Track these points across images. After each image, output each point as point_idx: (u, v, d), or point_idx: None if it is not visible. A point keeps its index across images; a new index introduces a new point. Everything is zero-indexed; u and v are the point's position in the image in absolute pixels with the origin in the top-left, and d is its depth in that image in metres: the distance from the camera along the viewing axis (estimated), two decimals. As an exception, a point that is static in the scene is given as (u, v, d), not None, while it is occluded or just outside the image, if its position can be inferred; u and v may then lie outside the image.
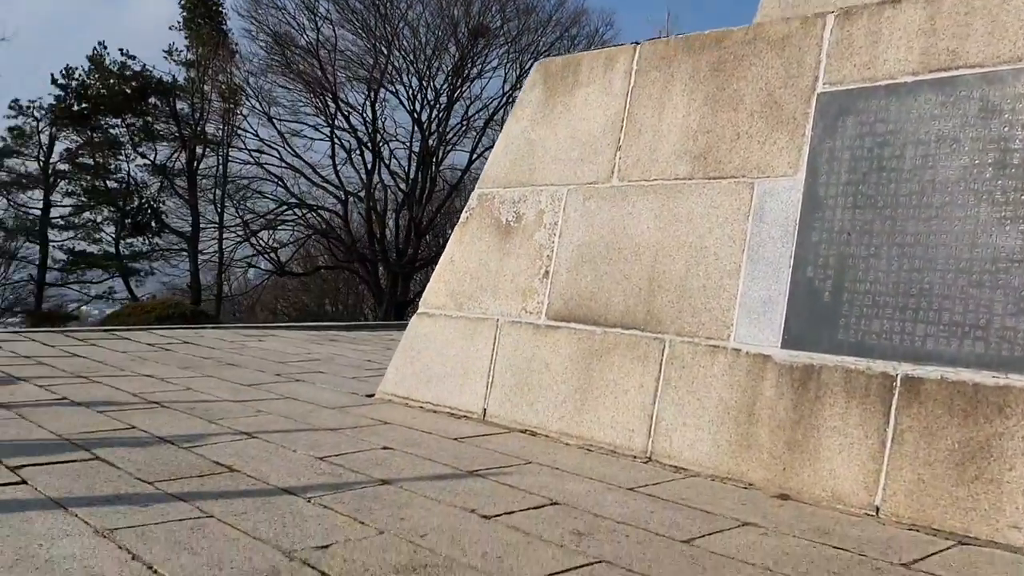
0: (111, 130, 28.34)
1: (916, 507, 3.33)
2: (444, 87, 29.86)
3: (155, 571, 2.57)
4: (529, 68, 12.52)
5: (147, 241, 28.88)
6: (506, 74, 29.72)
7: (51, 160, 27.81)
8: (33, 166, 27.69)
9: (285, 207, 30.13)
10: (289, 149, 28.87)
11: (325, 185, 30.01)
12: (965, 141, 3.48)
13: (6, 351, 7.02)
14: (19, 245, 28.02)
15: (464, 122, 30.43)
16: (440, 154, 31.30)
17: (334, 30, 27.88)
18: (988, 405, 3.23)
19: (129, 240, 28.54)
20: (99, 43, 27.92)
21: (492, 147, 4.69)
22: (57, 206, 28.11)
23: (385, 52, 28.56)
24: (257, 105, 28.24)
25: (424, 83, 29.80)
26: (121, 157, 28.30)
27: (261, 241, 29.36)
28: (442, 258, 5.46)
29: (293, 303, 37.62)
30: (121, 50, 29.05)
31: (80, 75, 27.89)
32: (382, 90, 29.06)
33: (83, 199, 28.48)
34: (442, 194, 31.77)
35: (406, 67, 29.31)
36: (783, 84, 4.04)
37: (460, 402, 5.08)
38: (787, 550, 3.05)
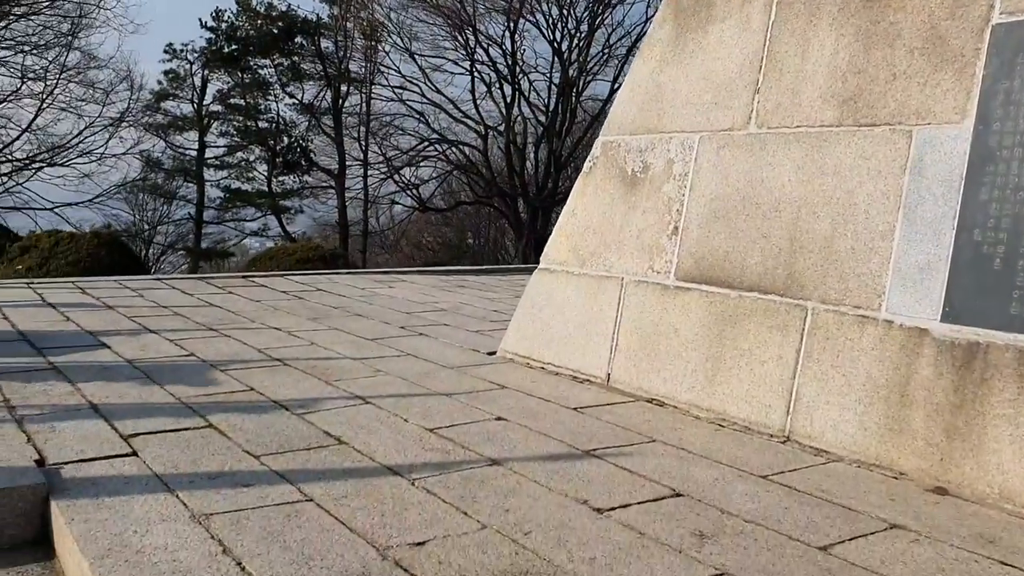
0: (260, 71, 29.12)
1: (1104, 516, 2.85)
2: (585, 15, 29.03)
3: (243, 568, 2.45)
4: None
5: (297, 179, 29.75)
6: (650, -1, 28.53)
7: (204, 102, 28.88)
8: (188, 108, 28.86)
9: (426, 143, 30.34)
10: (430, 84, 28.92)
11: (465, 120, 29.99)
12: None
13: (147, 300, 7.23)
14: (178, 185, 29.45)
15: (605, 51, 29.56)
16: (580, 84, 30.58)
17: (473, -41, 27.45)
18: None
19: (280, 178, 29.47)
20: (246, -16, 28.55)
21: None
22: (212, 147, 29.30)
23: (524, -21, 27.93)
24: (399, 41, 28.35)
25: (564, 11, 29.04)
26: (270, 97, 29.10)
27: (403, 178, 29.72)
28: (564, 210, 5.15)
29: (436, 236, 38.19)
30: (267, -10, 29.64)
31: (229, 17, 28.69)
32: (521, 20, 28.52)
33: (236, 139, 29.53)
34: (583, 126, 31.15)
35: (546, -6, 28.61)
36: (949, 14, 3.46)
37: (582, 365, 4.81)
38: (943, 564, 2.65)
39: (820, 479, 3.38)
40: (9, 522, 2.91)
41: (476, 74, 29.29)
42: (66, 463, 3.23)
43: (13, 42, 22.62)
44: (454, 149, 31.10)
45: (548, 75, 29.83)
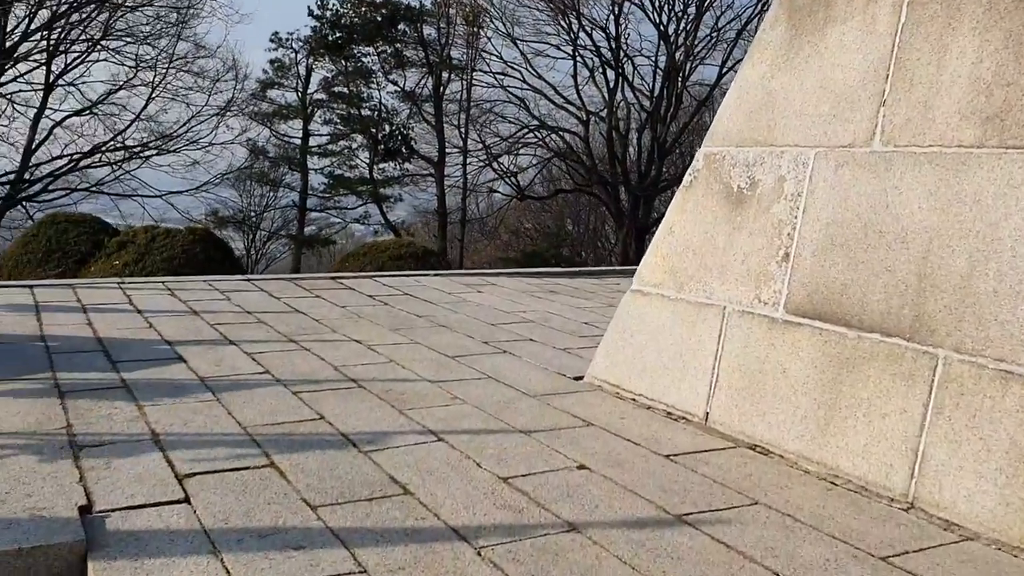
0: (363, 59, 29.28)
1: None
2: (693, -3, 28.16)
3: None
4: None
5: (397, 166, 29.86)
6: (762, -20, 27.44)
7: (308, 91, 29.23)
8: (292, 97, 29.24)
9: (526, 130, 30.01)
10: (531, 70, 28.56)
11: (566, 106, 29.53)
12: None
13: (233, 303, 7.12)
14: (283, 173, 29.93)
15: (714, 34, 28.60)
16: (687, 69, 29.70)
17: (576, -59, 26.93)
18: None
19: (381, 166, 29.63)
20: (352, -28, 28.70)
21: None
22: (315, 135, 29.63)
23: (630, -39, 27.28)
24: (501, 27, 28.07)
25: (671, -7, 28.25)
26: (373, 85, 29.22)
27: (502, 166, 29.50)
28: (660, 227, 4.71)
29: (535, 223, 37.91)
30: (372, -23, 29.73)
31: (334, 5, 28.90)
32: (626, 3, 27.84)
33: (339, 127, 29.81)
34: (688, 111, 30.29)
35: (653, -24, 27.86)
36: None
37: (678, 400, 4.38)
38: None
39: (952, 565, 2.89)
40: (42, 585, 2.71)
41: (579, 59, 28.82)
42: (113, 510, 3.03)
43: (126, 32, 23.27)
44: (554, 136, 30.72)
45: (653, 59, 29.10)
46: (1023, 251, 3.10)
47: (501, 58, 28.61)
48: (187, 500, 3.14)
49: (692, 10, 28.38)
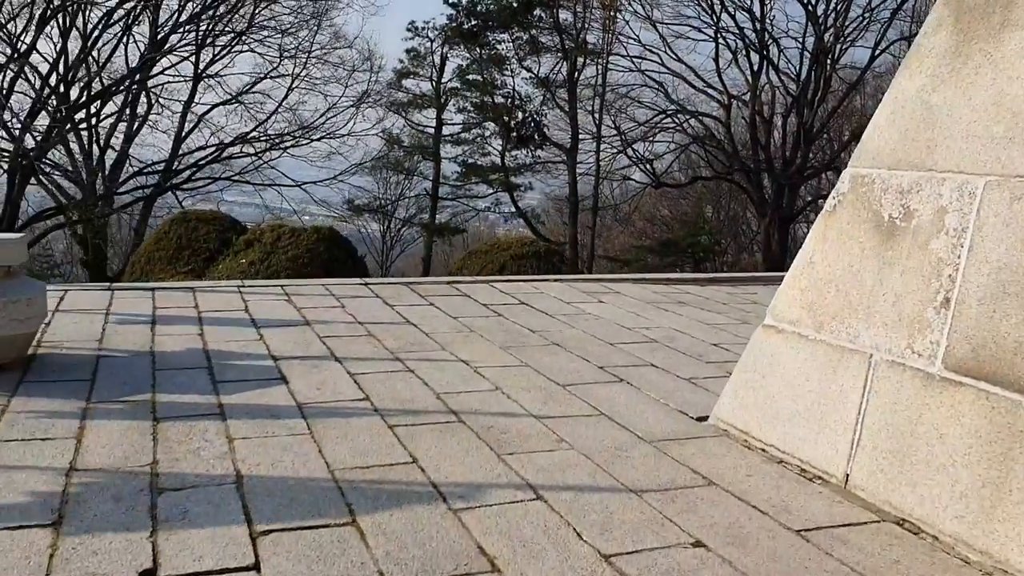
0: (498, 46, 29.11)
1: None
2: (846, -26, 26.60)
3: None
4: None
5: (529, 153, 29.60)
6: (922, -45, 25.63)
7: (443, 80, 29.30)
8: (427, 86, 29.40)
9: (664, 115, 29.16)
10: (671, 53, 27.70)
11: (707, 90, 28.51)
12: None
13: (347, 312, 6.95)
14: (417, 161, 30.17)
15: (866, 14, 26.92)
16: (836, 51, 28.12)
17: (721, -80, 25.86)
18: None
19: (513, 153, 29.44)
20: (489, -41, 28.53)
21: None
22: (448, 124, 29.71)
23: (776, -60, 25.98)
24: (639, 9, 27.31)
25: (822, -29, 26.78)
26: (506, 72, 29.03)
27: (637, 152, 28.76)
28: (799, 257, 4.16)
29: (672, 210, 36.97)
30: (509, -37, 29.48)
31: (471, -8, 28.84)
32: (773, -17, 26.56)
33: (472, 115, 29.79)
34: (838, 95, 28.71)
35: (801, -46, 26.46)
36: None
37: (813, 456, 3.85)
38: None
39: None
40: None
41: (721, 41, 27.74)
42: (178, 577, 2.80)
43: (270, 24, 23.87)
44: (693, 121, 29.75)
45: (800, 40, 27.65)
46: None
47: (639, 41, 27.88)
48: (257, 567, 2.89)
49: (845, -13, 26.80)
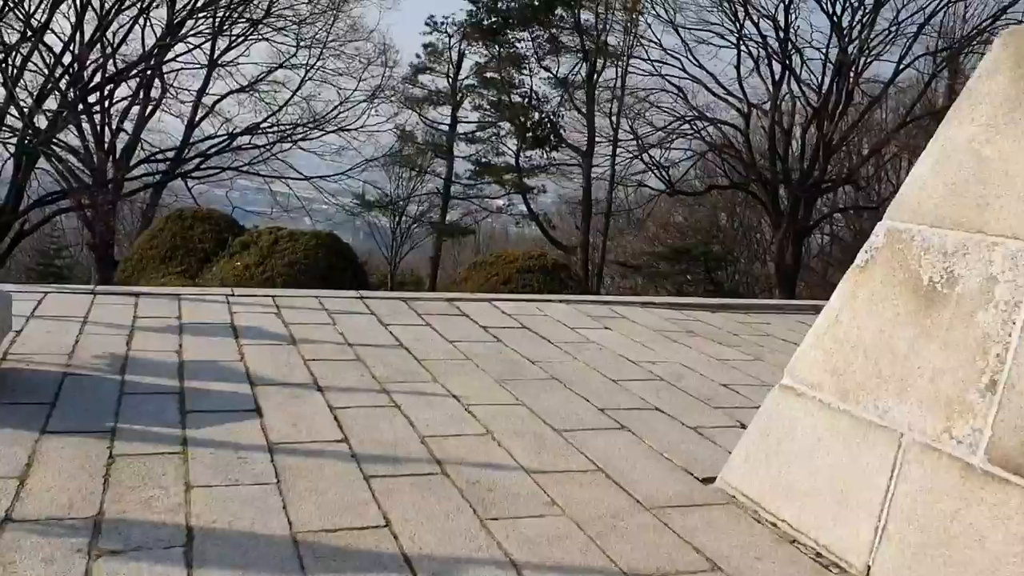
0: (517, 44, 28.70)
1: None
2: (873, -14, 26.06)
3: None
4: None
5: (544, 155, 29.20)
6: (954, -33, 25.10)
7: (459, 76, 28.90)
8: (442, 83, 28.99)
9: (682, 121, 28.72)
10: (692, 59, 27.25)
11: (727, 97, 28.03)
12: None
13: (337, 331, 6.58)
14: (430, 159, 29.78)
15: (893, 27, 26.36)
16: (860, 64, 27.60)
17: (748, -74, 25.39)
18: None
19: (528, 154, 29.05)
20: (511, -45, 28.12)
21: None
22: (463, 122, 29.32)
23: (805, -52, 25.53)
24: (662, 13, 26.87)
25: (849, -19, 26.26)
26: (525, 71, 28.62)
27: (653, 158, 28.32)
28: (824, 313, 3.76)
29: (686, 216, 36.51)
30: (533, -40, 29.07)
31: (492, -13, 28.41)
32: (799, -9, 26.09)
33: (488, 114, 29.39)
34: (859, 108, 28.18)
35: (829, -37, 25.94)
36: None
37: (832, 540, 3.45)
38: None
39: None
40: None
41: (743, 48, 27.28)
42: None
43: (287, 12, 23.54)
44: (711, 128, 29.29)
45: (823, 51, 27.16)
46: None
47: (660, 45, 27.44)
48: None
49: (870, 0, 26.25)
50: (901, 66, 26.67)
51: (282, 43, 23.81)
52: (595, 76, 27.90)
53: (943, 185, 3.29)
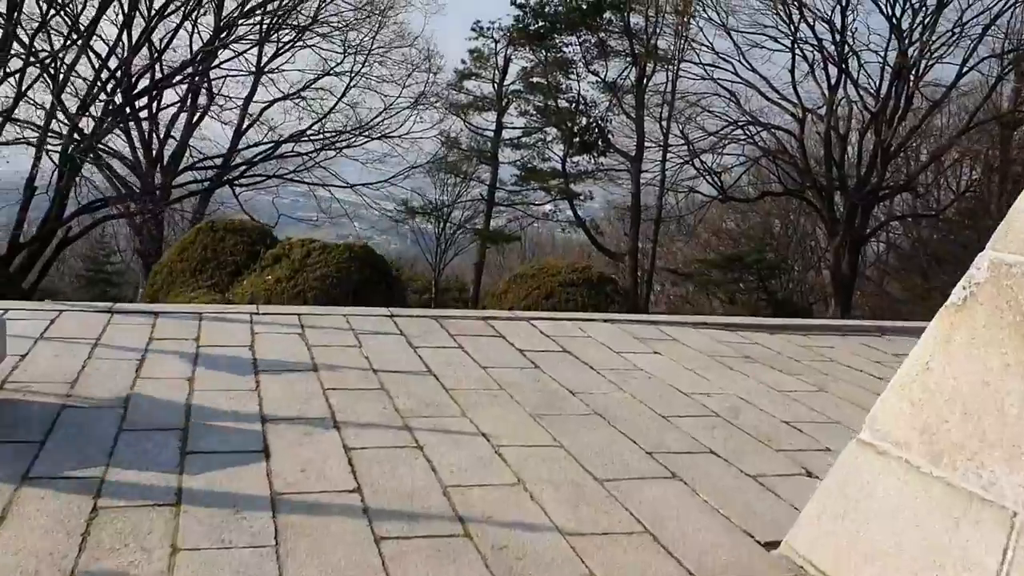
0: (564, 48, 28.19)
1: None
2: (935, -13, 25.10)
3: None
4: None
5: (592, 160, 28.63)
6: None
7: (505, 82, 28.44)
8: (488, 88, 28.57)
9: (734, 126, 27.97)
10: (744, 62, 26.53)
11: (781, 102, 27.22)
12: None
13: (363, 353, 6.13)
14: (475, 165, 29.37)
15: (956, 29, 25.30)
16: (921, 67, 26.60)
17: (804, -73, 24.61)
18: None
19: (575, 159, 28.50)
20: (559, -42, 27.63)
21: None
22: (508, 127, 28.86)
23: (864, -51, 24.67)
24: (714, 16, 26.19)
25: (909, -18, 25.32)
26: (572, 76, 28.09)
27: (704, 164, 27.60)
28: (911, 359, 3.19)
29: (738, 223, 35.71)
30: (580, -37, 28.55)
31: (540, -8, 27.94)
32: (855, -9, 25.22)
33: (534, 119, 28.90)
34: (919, 113, 27.14)
35: (888, -36, 25.02)
36: None
37: (922, 632, 2.88)
38: None
39: None
40: None
41: (798, 52, 26.47)
42: None
43: (333, 19, 23.34)
44: (764, 133, 28.50)
45: (882, 54, 26.19)
46: None
47: (712, 48, 26.76)
48: None
49: (933, 1, 25.24)
50: (964, 69, 25.59)
51: (328, 50, 23.61)
52: (644, 80, 27.27)
53: (1066, 210, 2.71)
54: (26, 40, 17.83)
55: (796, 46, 26.26)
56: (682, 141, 27.50)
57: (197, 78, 22.64)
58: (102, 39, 20.87)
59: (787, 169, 28.59)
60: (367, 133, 22.79)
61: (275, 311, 7.30)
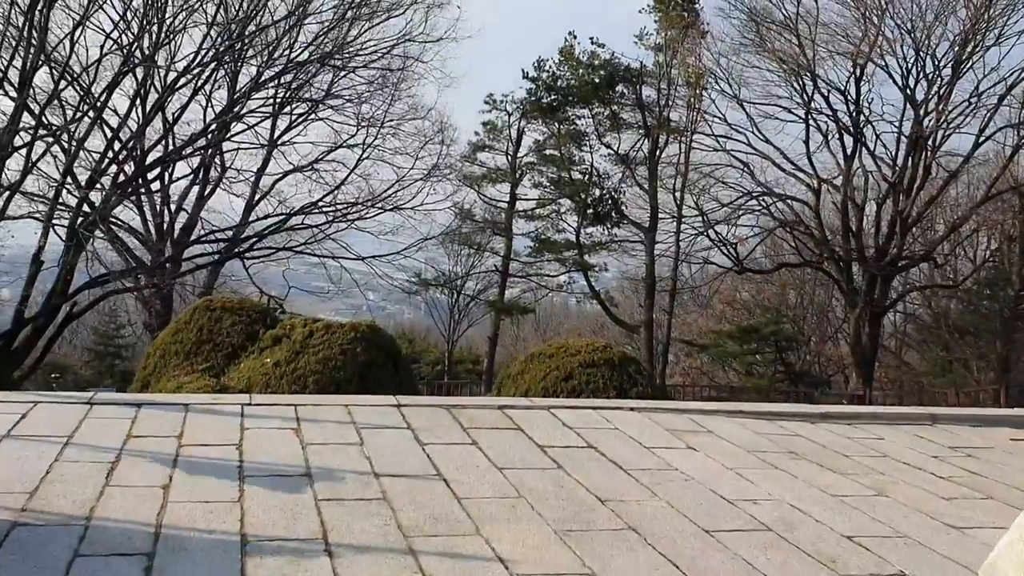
0: (577, 121, 28.01)
1: None
2: (948, 59, 24.81)
3: None
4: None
5: (606, 231, 28.21)
6: (1038, 36, 23.76)
7: (518, 154, 28.21)
8: (501, 160, 28.33)
9: (749, 197, 27.54)
10: (758, 134, 26.18)
11: (796, 173, 26.82)
12: None
13: (364, 454, 5.50)
14: (488, 236, 28.99)
15: (972, 99, 24.94)
16: (937, 137, 26.18)
17: (816, 1, 24.50)
18: None
19: (589, 230, 28.09)
20: (569, 33, 27.70)
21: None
22: (522, 199, 28.54)
23: (876, 21, 24.48)
24: (727, 88, 25.97)
25: (922, 54, 25.04)
26: (585, 148, 27.84)
27: (719, 235, 27.10)
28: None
29: (753, 294, 35.13)
30: (591, 39, 28.65)
31: (551, 67, 27.86)
32: (869, 65, 24.96)
33: (547, 190, 28.59)
34: (936, 183, 26.66)
35: (900, 37, 24.79)
36: None
37: None
38: None
39: None
40: None
41: (811, 123, 26.15)
42: None
43: (345, 93, 23.19)
44: (780, 204, 28.03)
45: (897, 125, 25.82)
46: None
47: (725, 120, 26.46)
48: None
49: (947, 72, 24.98)
50: (981, 139, 25.19)
51: (340, 122, 23.39)
52: (657, 152, 27.00)
53: None
54: (36, 110, 17.60)
55: (810, 117, 25.96)
56: (696, 212, 27.08)
57: (210, 151, 22.40)
58: (114, 111, 20.70)
59: (803, 239, 28.05)
60: (379, 205, 22.42)
61: (270, 401, 6.68)
